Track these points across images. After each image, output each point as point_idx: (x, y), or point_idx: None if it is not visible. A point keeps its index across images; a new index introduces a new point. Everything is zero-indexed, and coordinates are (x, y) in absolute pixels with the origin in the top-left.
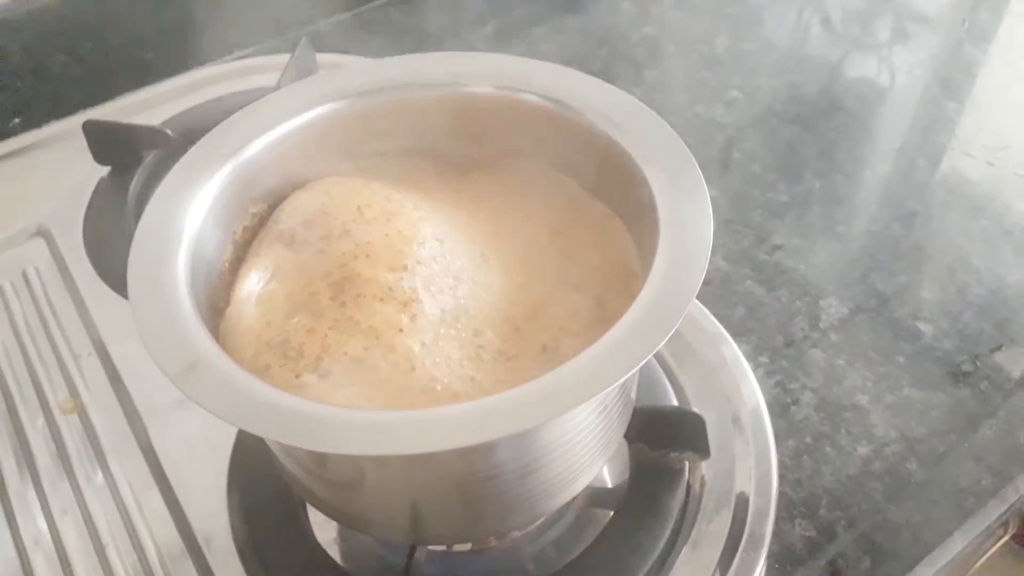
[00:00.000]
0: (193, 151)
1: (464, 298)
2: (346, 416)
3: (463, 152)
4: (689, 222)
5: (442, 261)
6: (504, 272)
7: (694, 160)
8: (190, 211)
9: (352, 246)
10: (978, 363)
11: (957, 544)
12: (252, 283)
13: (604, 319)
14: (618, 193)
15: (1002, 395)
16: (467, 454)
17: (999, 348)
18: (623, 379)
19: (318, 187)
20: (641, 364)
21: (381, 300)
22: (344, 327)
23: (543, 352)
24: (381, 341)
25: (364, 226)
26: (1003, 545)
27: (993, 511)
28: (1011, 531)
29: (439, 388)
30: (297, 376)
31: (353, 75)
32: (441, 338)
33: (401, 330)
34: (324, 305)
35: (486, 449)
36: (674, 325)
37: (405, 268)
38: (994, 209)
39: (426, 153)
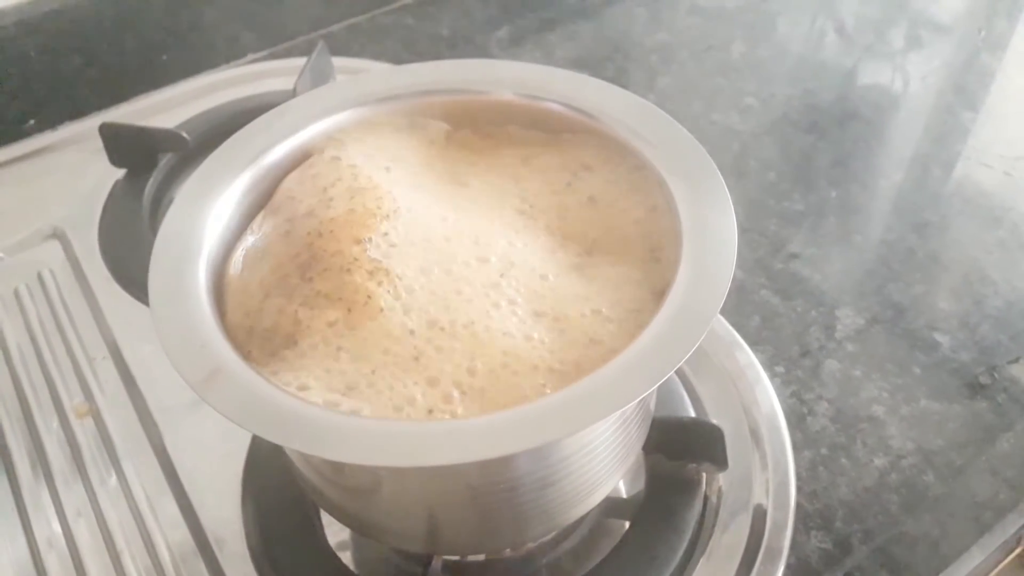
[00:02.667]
0: (213, 157)
1: (437, 264)
2: (366, 426)
3: (481, 156)
4: (713, 235)
5: (410, 231)
6: (483, 238)
7: (717, 170)
8: (210, 219)
9: (316, 224)
10: (995, 375)
11: (975, 559)
12: (229, 277)
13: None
14: (639, 204)
15: (1020, 408)
16: (486, 466)
17: (1016, 360)
18: (644, 395)
19: (293, 175)
20: (662, 380)
21: (348, 271)
22: (314, 302)
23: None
24: (353, 312)
25: (327, 204)
26: (1016, 558)
27: (1011, 526)
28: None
29: (419, 355)
30: (273, 354)
31: (373, 81)
32: (415, 305)
33: (370, 296)
34: (294, 284)
35: (505, 461)
36: (697, 340)
37: (369, 240)
38: (1011, 220)
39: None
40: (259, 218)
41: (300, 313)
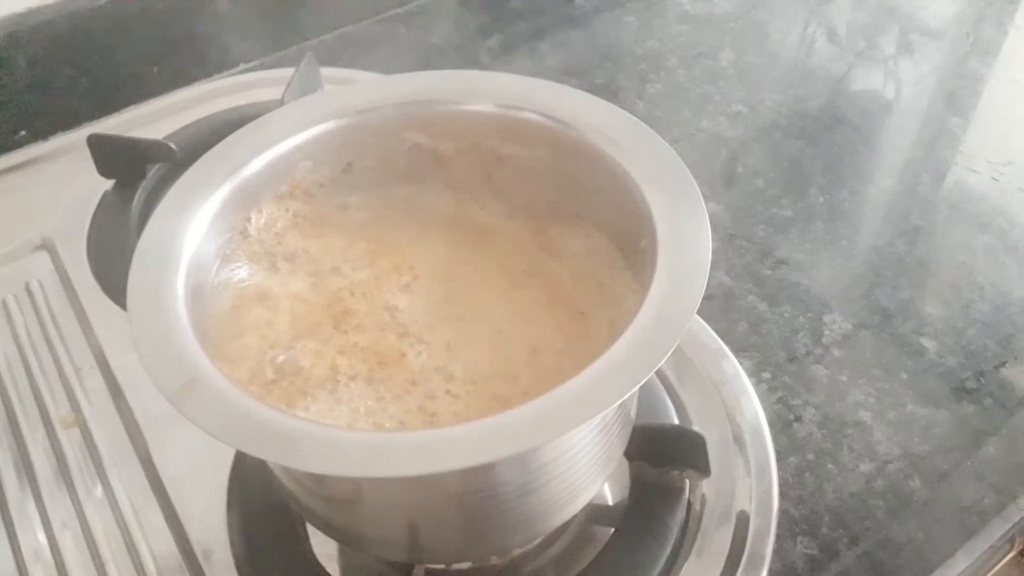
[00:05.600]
0: (194, 168)
1: (457, 332)
2: (343, 437)
3: (463, 174)
4: (688, 241)
5: (430, 298)
6: (491, 306)
7: (693, 180)
8: (190, 230)
9: (346, 283)
10: (982, 380)
11: (960, 563)
12: (239, 301)
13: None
14: (615, 213)
15: (1006, 412)
16: (465, 474)
17: (1003, 365)
18: (621, 400)
19: (283, 216)
20: (639, 385)
21: (382, 331)
22: (351, 352)
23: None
24: (385, 366)
25: (352, 263)
26: (1011, 560)
27: (996, 530)
28: (1018, 547)
29: (441, 408)
30: (304, 392)
31: (355, 93)
32: (439, 369)
33: (404, 355)
34: (328, 333)
35: (484, 469)
36: (672, 345)
37: (397, 307)
38: (998, 225)
39: (427, 172)
40: (256, 251)
41: (338, 360)
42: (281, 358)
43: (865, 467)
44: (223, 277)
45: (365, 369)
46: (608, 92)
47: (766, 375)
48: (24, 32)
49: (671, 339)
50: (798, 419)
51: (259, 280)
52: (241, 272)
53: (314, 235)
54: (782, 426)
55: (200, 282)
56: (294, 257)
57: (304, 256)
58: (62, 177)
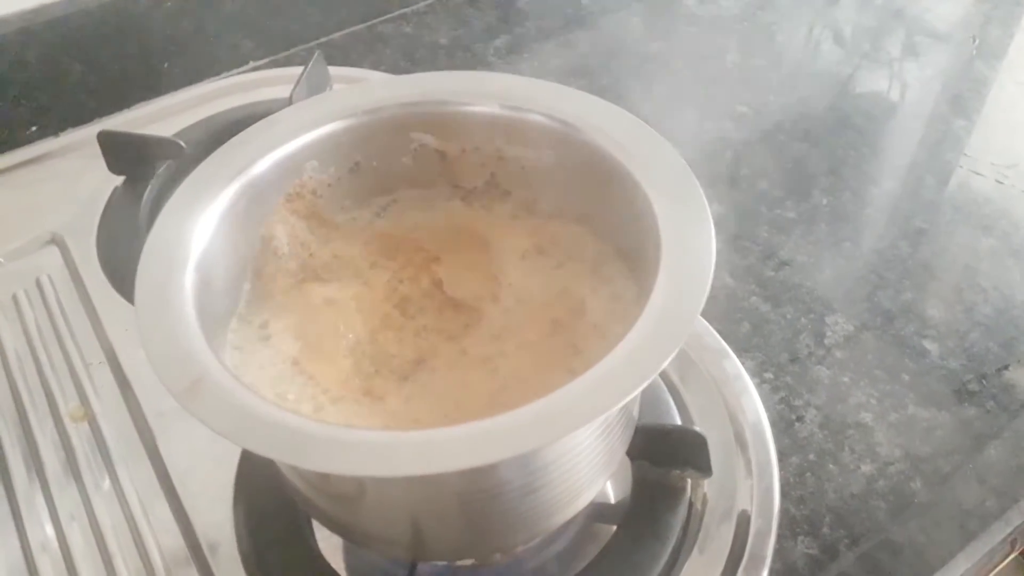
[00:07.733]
0: (203, 166)
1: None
2: (348, 436)
3: (468, 174)
4: (692, 245)
5: (458, 277)
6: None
7: (698, 183)
8: (198, 227)
9: (389, 275)
10: (984, 382)
11: (960, 566)
12: (309, 311)
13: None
14: (619, 215)
15: (1008, 415)
16: (469, 474)
17: (1006, 368)
18: (624, 402)
19: (301, 227)
20: (641, 388)
21: (440, 311)
22: (425, 334)
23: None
24: (455, 341)
25: (385, 256)
26: (1012, 561)
27: (997, 533)
28: (1020, 547)
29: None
30: (405, 377)
31: (362, 93)
32: (496, 338)
33: (467, 325)
34: (400, 322)
35: (488, 469)
36: (674, 349)
37: (442, 282)
38: (1002, 228)
39: (432, 172)
40: (291, 268)
41: (419, 342)
42: (371, 351)
43: (866, 468)
44: (282, 292)
45: (442, 344)
46: (614, 93)
47: (768, 375)
48: (35, 28)
49: (673, 343)
50: (800, 420)
51: (317, 290)
52: (293, 287)
53: (332, 241)
54: (784, 426)
55: (213, 280)
56: (328, 266)
57: (336, 262)
58: (72, 173)
